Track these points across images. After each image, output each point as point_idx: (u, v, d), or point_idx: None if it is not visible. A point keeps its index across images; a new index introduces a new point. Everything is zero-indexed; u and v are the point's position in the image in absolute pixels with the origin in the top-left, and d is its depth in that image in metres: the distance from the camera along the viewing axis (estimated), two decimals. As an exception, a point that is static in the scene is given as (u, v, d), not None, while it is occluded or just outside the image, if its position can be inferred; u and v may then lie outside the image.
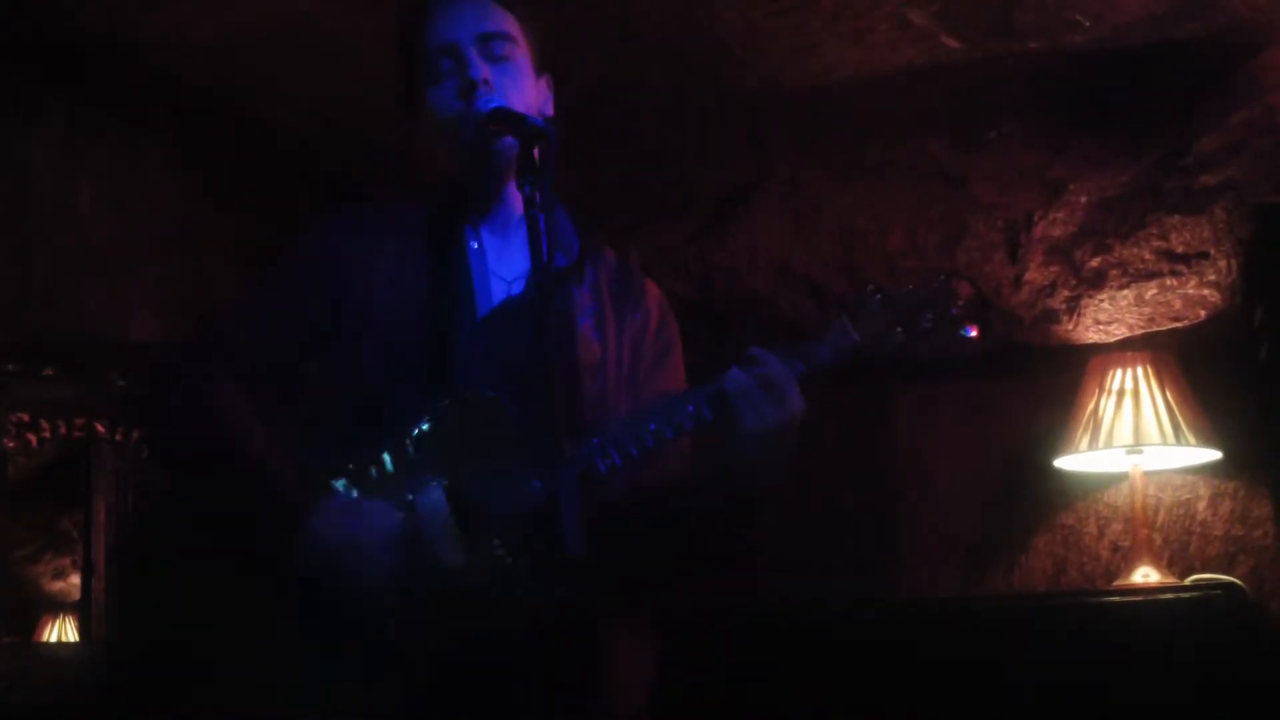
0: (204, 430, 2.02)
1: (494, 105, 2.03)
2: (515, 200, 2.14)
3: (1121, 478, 3.76)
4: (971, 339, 2.16)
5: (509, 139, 2.00)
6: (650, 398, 2.14)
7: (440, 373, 2.03)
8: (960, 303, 2.15)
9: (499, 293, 2.11)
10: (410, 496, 1.96)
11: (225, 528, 1.96)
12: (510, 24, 2.15)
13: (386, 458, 2.00)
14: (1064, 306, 3.84)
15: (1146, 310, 3.78)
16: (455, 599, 1.92)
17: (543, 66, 2.20)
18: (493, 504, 1.96)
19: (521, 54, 2.15)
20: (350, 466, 2.00)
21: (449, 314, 2.07)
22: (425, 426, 2.01)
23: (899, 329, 2.13)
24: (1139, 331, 3.81)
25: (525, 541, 1.94)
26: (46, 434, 4.10)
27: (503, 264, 2.14)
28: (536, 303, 1.84)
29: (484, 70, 2.08)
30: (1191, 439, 3.59)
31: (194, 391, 2.04)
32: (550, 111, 2.19)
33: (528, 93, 2.14)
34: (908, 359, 2.19)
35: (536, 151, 1.90)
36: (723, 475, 2.04)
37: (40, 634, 5.09)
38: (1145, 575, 3.55)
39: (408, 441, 2.01)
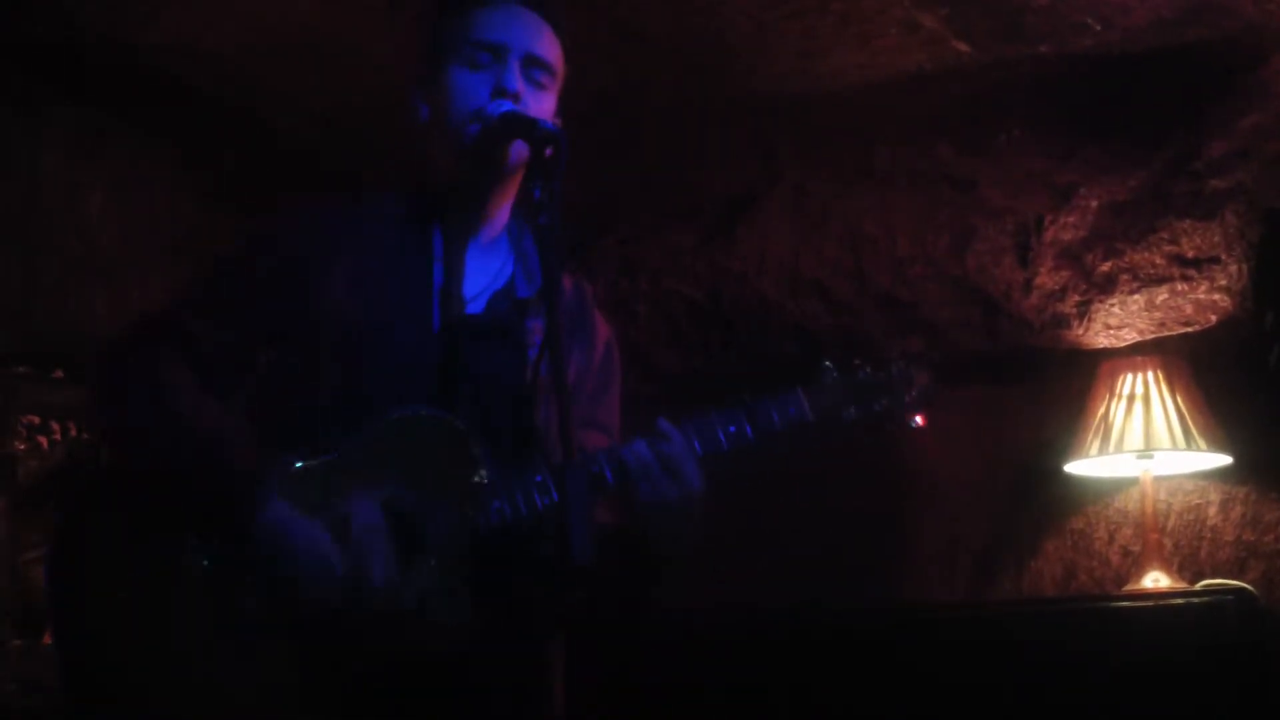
0: (155, 410, 2.00)
1: (505, 108, 2.03)
2: (495, 220, 2.16)
3: (1132, 483, 3.75)
4: (919, 428, 2.20)
5: (519, 143, 2.02)
6: (584, 429, 2.14)
7: (390, 384, 2.03)
8: (914, 391, 2.20)
9: (456, 310, 2.11)
10: (346, 509, 1.96)
11: (175, 505, 1.95)
12: (556, 56, 2.16)
13: (325, 462, 2.00)
14: (1074, 311, 3.83)
15: (1157, 315, 3.77)
16: (385, 617, 1.92)
17: (559, 113, 2.20)
18: (435, 524, 1.96)
19: (553, 91, 2.16)
20: (289, 466, 1.99)
21: (405, 326, 2.07)
22: (371, 437, 2.01)
23: (852, 408, 2.16)
24: (1149, 336, 3.79)
25: (464, 563, 1.96)
26: (57, 436, 4.10)
27: (469, 280, 2.13)
28: (546, 311, 1.83)
29: (521, 87, 2.08)
30: (1202, 444, 3.57)
31: (145, 372, 2.02)
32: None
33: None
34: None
35: (548, 154, 1.90)
36: (626, 536, 2.05)
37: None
38: (1155, 580, 3.54)
39: (352, 449, 2.00)
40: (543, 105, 2.12)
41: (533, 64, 2.11)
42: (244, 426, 2.03)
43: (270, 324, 2.08)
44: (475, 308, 2.12)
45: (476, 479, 1.99)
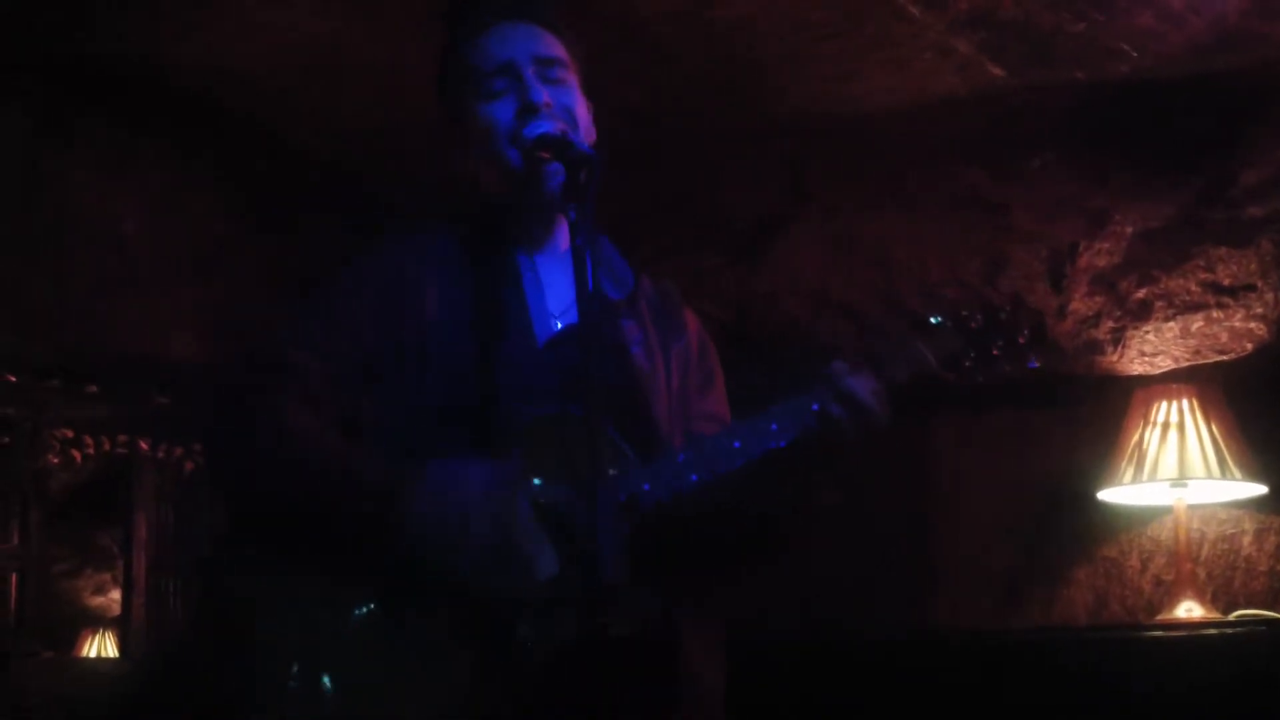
0: (287, 450, 1.98)
1: (540, 131, 2.03)
2: (563, 231, 2.16)
3: (1165, 511, 3.72)
4: (1035, 370, 2.21)
5: (555, 164, 2.02)
6: (699, 423, 2.18)
7: (503, 402, 2.02)
8: (1027, 332, 2.20)
9: (552, 324, 2.12)
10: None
11: (314, 541, 1.93)
12: (561, 49, 2.17)
13: None
14: (1109, 338, 3.80)
15: (1192, 343, 3.74)
16: (549, 607, 1.91)
17: (588, 92, 2.21)
18: (588, 515, 1.95)
19: (573, 78, 2.17)
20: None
21: (505, 344, 2.06)
22: (504, 443, 2.00)
23: (972, 353, 2.18)
24: (1184, 364, 3.77)
25: (626, 550, 1.93)
26: (90, 450, 4.13)
27: (553, 295, 2.14)
28: (583, 331, 1.82)
29: (544, 94, 2.09)
30: (1237, 473, 3.54)
31: (270, 414, 2.00)
32: (594, 135, 2.20)
33: (584, 115, 2.16)
34: (950, 386, 2.22)
35: (582, 175, 1.91)
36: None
37: (80, 649, 5.14)
38: (1188, 610, 3.51)
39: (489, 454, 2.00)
40: (568, 98, 2.13)
41: (545, 64, 2.13)
42: (371, 448, 2.01)
43: (373, 357, 2.06)
44: (567, 319, 2.12)
45: (621, 468, 2.00)
